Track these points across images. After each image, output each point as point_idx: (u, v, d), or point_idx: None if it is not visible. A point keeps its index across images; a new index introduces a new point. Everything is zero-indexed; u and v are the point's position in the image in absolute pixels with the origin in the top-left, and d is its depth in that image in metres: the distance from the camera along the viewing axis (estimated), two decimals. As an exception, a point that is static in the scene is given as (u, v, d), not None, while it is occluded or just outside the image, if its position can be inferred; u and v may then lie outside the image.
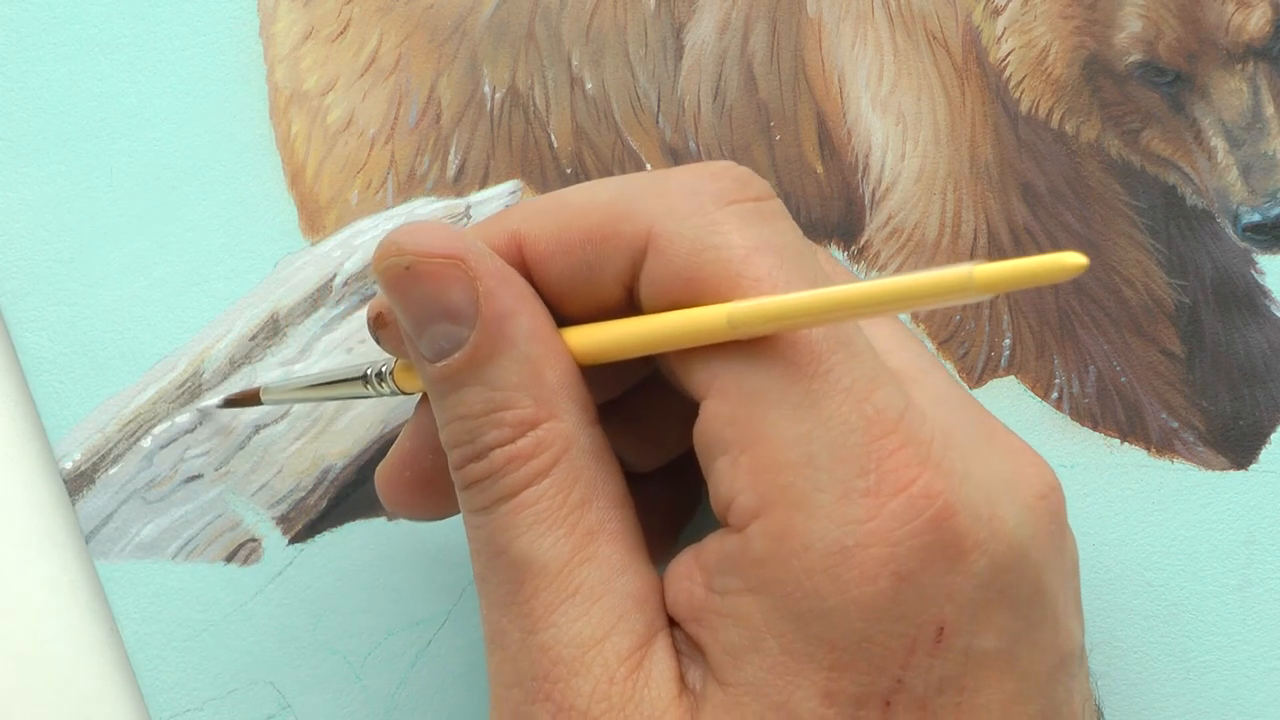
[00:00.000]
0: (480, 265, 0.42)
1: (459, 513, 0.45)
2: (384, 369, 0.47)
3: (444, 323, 0.42)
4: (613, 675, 0.41)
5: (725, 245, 0.42)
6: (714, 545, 0.42)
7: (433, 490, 0.46)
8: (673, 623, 0.42)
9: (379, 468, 0.48)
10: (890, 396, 0.41)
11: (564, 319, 0.44)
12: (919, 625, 0.40)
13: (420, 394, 0.47)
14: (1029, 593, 0.41)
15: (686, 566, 0.42)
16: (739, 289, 0.41)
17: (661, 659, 0.42)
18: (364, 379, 0.48)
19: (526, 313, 0.43)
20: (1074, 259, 0.36)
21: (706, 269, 0.41)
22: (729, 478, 0.41)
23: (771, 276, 0.41)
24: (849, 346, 0.41)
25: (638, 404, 0.46)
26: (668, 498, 0.49)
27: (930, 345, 0.54)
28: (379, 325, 0.46)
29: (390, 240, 0.43)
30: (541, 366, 0.43)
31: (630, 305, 0.43)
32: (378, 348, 0.48)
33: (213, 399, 0.53)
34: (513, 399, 0.42)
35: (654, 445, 0.47)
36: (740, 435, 0.41)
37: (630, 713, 0.41)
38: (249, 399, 0.52)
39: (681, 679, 0.42)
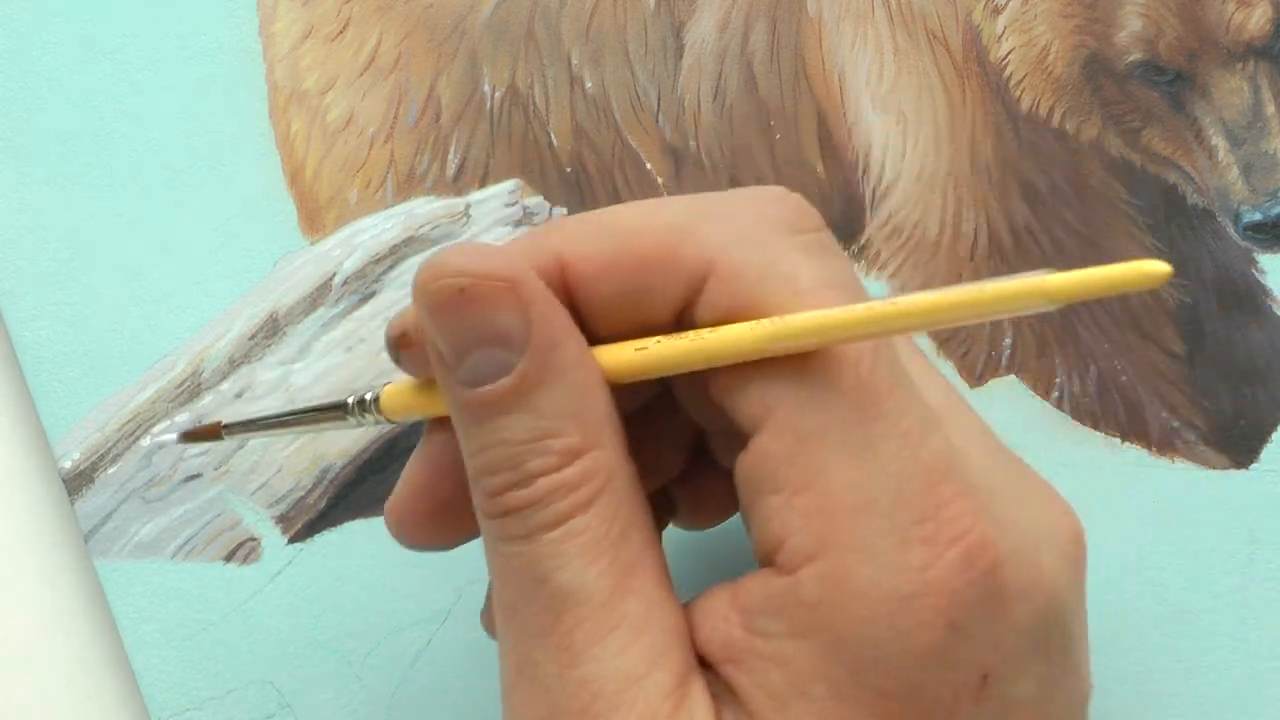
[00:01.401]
0: (532, 290, 0.41)
1: (469, 540, 0.45)
2: (368, 397, 0.46)
3: (491, 348, 0.41)
4: (655, 712, 0.40)
5: (794, 275, 0.41)
6: (755, 587, 0.41)
7: (449, 520, 0.45)
8: (702, 662, 0.41)
9: (389, 502, 0.46)
10: (942, 442, 0.40)
11: (602, 341, 0.43)
12: (967, 673, 0.40)
13: (428, 422, 0.46)
14: (1061, 641, 0.41)
15: (721, 606, 0.41)
16: None
17: (700, 697, 0.41)
18: (344, 408, 0.46)
19: (573, 341, 0.42)
20: (1157, 267, 0.35)
21: (773, 298, 0.41)
22: (780, 518, 0.40)
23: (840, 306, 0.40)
24: (902, 388, 0.40)
25: (642, 425, 0.46)
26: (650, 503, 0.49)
27: (930, 345, 0.54)
28: (403, 346, 0.44)
29: (441, 261, 0.41)
30: (588, 395, 0.42)
31: (677, 330, 0.42)
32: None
33: (169, 433, 0.52)
34: (560, 427, 0.41)
35: (650, 471, 0.47)
36: (796, 475, 0.40)
37: None
38: (208, 434, 0.50)
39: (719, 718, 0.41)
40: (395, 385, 0.45)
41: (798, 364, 0.41)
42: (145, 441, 0.54)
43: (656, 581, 0.41)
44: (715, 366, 0.41)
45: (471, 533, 0.45)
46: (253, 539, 0.53)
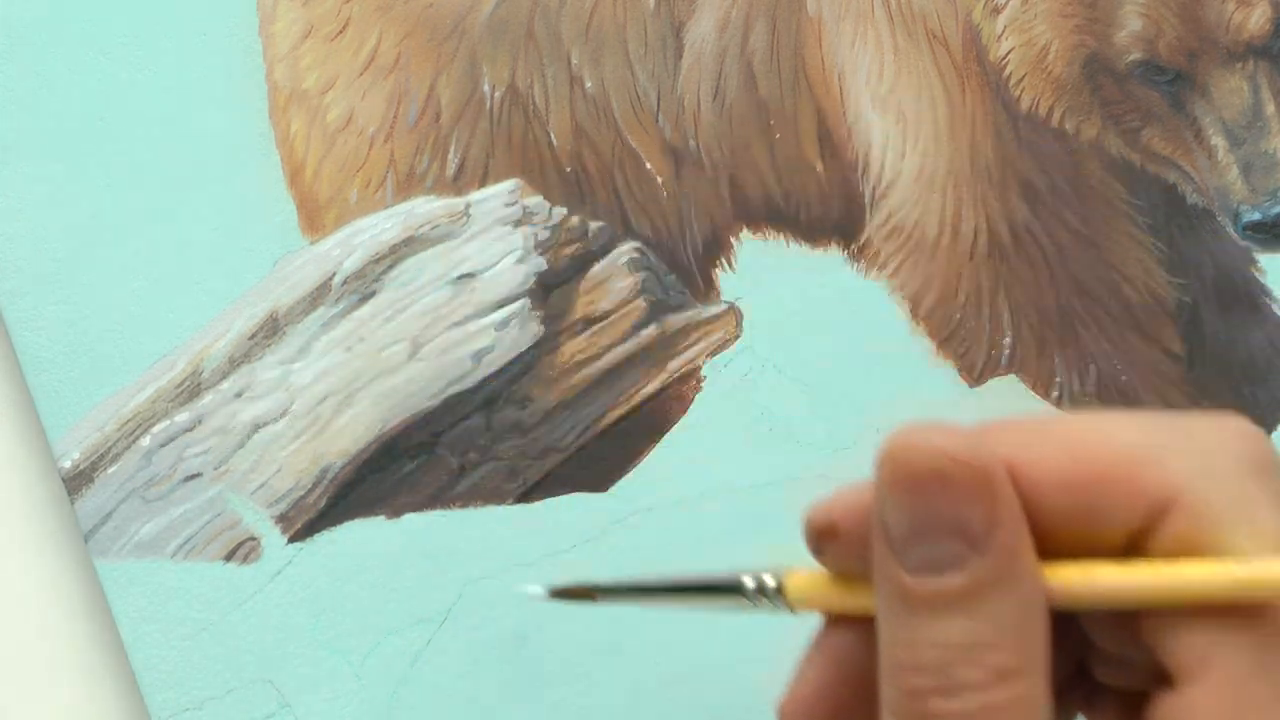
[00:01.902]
0: (1004, 487, 0.39)
1: None
2: (769, 582, 0.42)
3: (950, 540, 0.39)
4: None
5: (1262, 521, 0.38)
6: None
7: None
8: None
9: (784, 700, 0.43)
10: None
11: (1042, 559, 0.40)
12: None
13: (828, 618, 0.43)
14: None
15: None
16: None
17: None
18: (740, 589, 0.42)
19: (1031, 554, 0.39)
20: None
21: (1239, 542, 0.38)
22: None
23: None
24: None
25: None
26: None
27: (931, 344, 0.54)
28: (827, 538, 0.41)
29: (920, 436, 0.39)
30: (1033, 616, 0.39)
31: (1121, 560, 0.40)
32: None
33: (539, 589, 0.47)
34: (1000, 643, 0.39)
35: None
36: None
37: None
38: (581, 595, 0.46)
39: None
40: (804, 575, 0.42)
41: (1250, 619, 0.38)
42: (145, 441, 0.54)
43: None
44: (1172, 605, 0.39)
45: None
46: (253, 538, 0.53)
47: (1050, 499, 0.40)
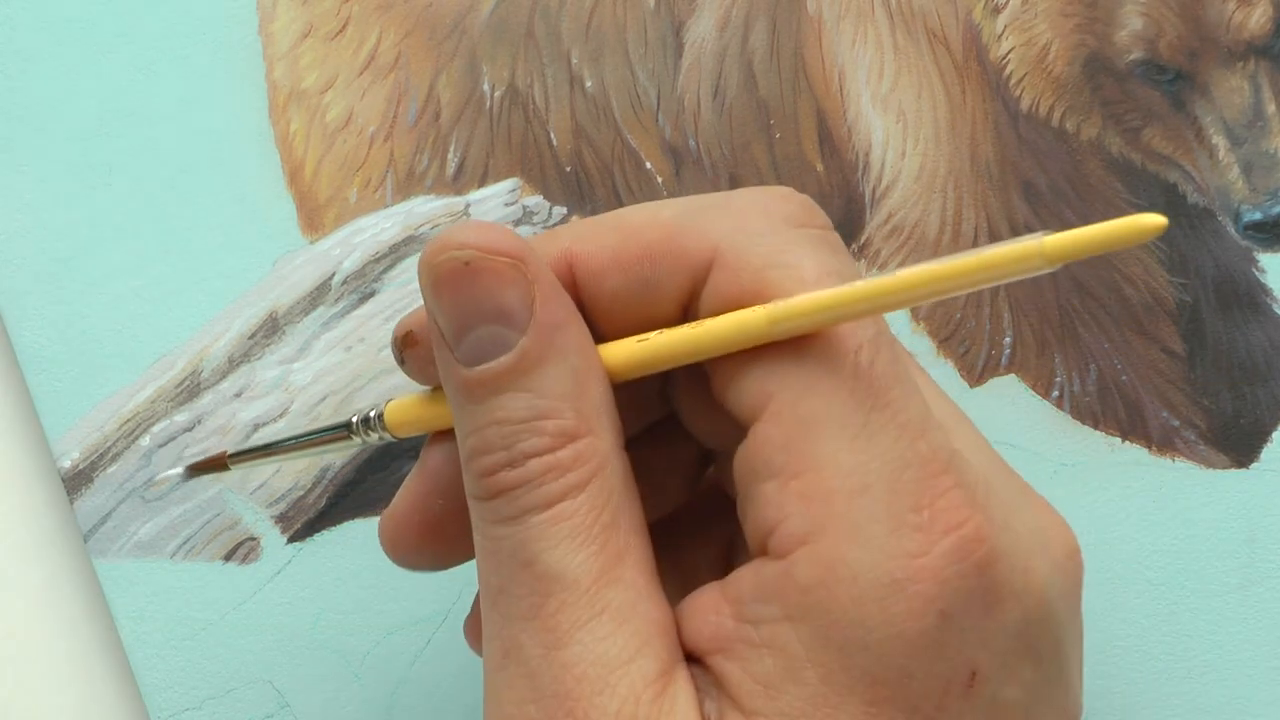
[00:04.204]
0: (538, 269, 0.42)
1: (465, 562, 0.45)
2: (371, 415, 0.46)
3: (493, 324, 0.41)
4: (639, 697, 0.40)
5: (798, 265, 0.41)
6: (747, 575, 0.41)
7: (443, 539, 0.45)
8: (689, 659, 0.42)
9: (383, 517, 0.46)
10: (941, 437, 0.40)
11: (610, 337, 0.43)
12: (956, 667, 0.40)
13: (428, 438, 0.46)
14: (1051, 649, 0.41)
15: (711, 600, 0.42)
16: None
17: (684, 688, 0.41)
18: (348, 427, 0.46)
19: (575, 324, 0.42)
20: (1153, 219, 0.35)
21: (775, 287, 0.41)
22: (776, 502, 0.40)
23: None
24: (905, 383, 0.41)
25: (642, 452, 0.45)
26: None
27: (931, 345, 0.54)
28: (407, 344, 0.45)
29: (448, 235, 0.42)
30: (587, 380, 0.42)
31: (682, 324, 0.43)
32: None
33: (176, 468, 0.52)
34: (556, 408, 0.41)
35: (656, 495, 0.47)
36: (792, 460, 0.40)
37: None
38: (214, 465, 0.50)
39: (701, 710, 0.41)
40: (399, 400, 0.45)
41: (798, 352, 0.41)
42: (145, 441, 0.54)
43: (643, 572, 0.42)
44: (716, 356, 0.41)
45: (464, 556, 0.45)
46: (252, 538, 0.53)
47: (609, 280, 0.43)
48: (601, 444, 0.42)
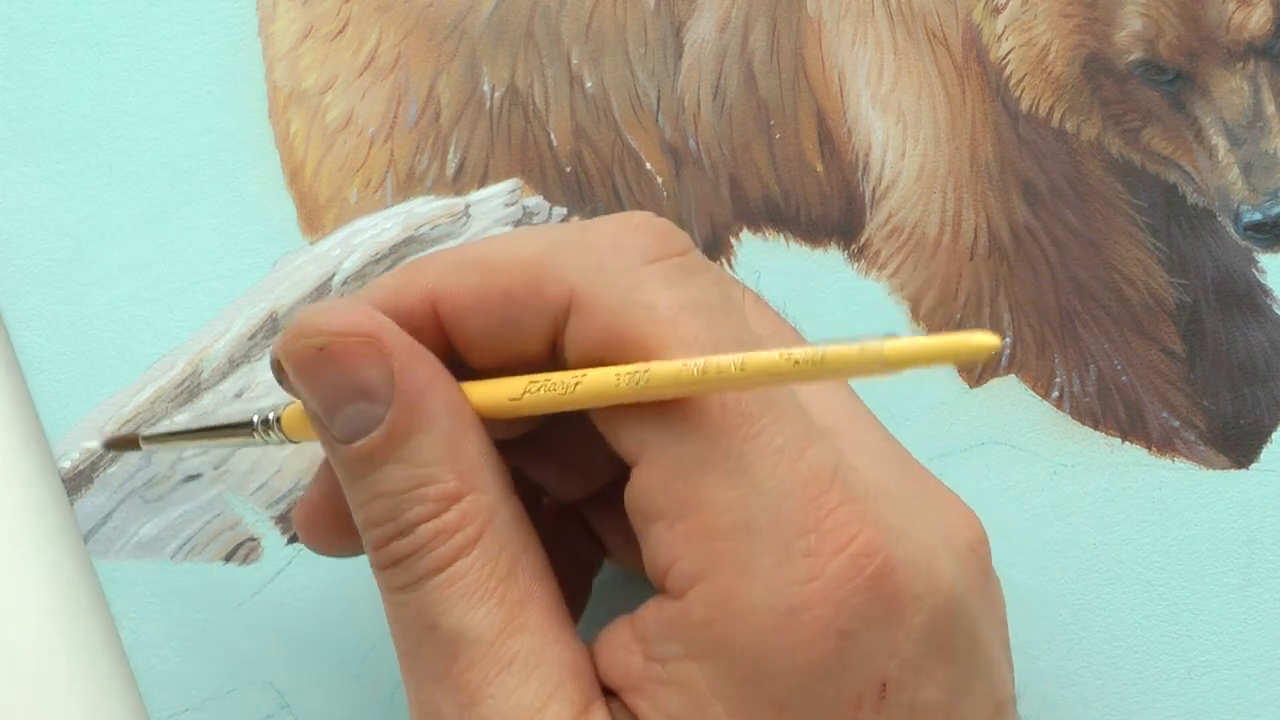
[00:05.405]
0: (394, 342, 0.42)
1: None
2: (271, 416, 0.47)
3: (359, 402, 0.42)
4: None
5: (651, 305, 0.41)
6: (651, 613, 0.41)
7: (351, 529, 0.46)
8: (607, 693, 0.42)
9: (296, 507, 0.47)
10: (823, 454, 0.40)
11: (482, 372, 0.43)
12: (864, 683, 0.40)
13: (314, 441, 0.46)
14: (966, 644, 0.41)
15: (622, 637, 0.42)
16: (667, 350, 0.41)
17: None
18: (251, 426, 0.47)
19: (441, 387, 0.42)
20: (984, 339, 0.35)
21: (634, 329, 0.41)
22: (665, 544, 0.41)
23: (698, 339, 0.41)
24: (776, 407, 0.41)
25: (562, 431, 0.46)
26: (582, 540, 0.49)
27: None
28: (283, 374, 0.45)
29: (299, 321, 0.42)
30: (460, 440, 0.42)
31: (553, 359, 0.43)
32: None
33: (93, 440, 0.53)
34: (434, 474, 0.42)
35: (579, 473, 0.47)
36: (674, 502, 0.40)
37: None
38: (128, 442, 0.51)
39: None
40: (296, 408, 0.46)
41: (669, 408, 0.41)
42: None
43: (548, 616, 0.42)
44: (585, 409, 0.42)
45: None
46: (252, 539, 0.53)
47: (473, 320, 0.43)
48: (486, 498, 0.42)
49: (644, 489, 0.41)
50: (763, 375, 0.39)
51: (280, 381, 0.45)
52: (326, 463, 0.46)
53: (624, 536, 0.47)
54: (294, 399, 0.45)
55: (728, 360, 0.39)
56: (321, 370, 0.42)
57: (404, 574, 0.42)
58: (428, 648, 0.42)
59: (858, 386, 0.46)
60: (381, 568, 0.43)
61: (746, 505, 0.40)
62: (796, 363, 0.38)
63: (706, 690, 0.40)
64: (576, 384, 0.41)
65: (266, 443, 0.47)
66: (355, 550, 0.46)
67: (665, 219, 0.44)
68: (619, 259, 0.42)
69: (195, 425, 0.49)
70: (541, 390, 0.42)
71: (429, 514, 0.42)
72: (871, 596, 0.40)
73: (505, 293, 0.43)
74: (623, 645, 0.42)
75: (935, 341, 0.36)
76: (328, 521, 0.46)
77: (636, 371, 0.40)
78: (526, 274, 0.42)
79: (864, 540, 0.40)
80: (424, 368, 0.42)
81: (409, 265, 0.45)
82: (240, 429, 0.48)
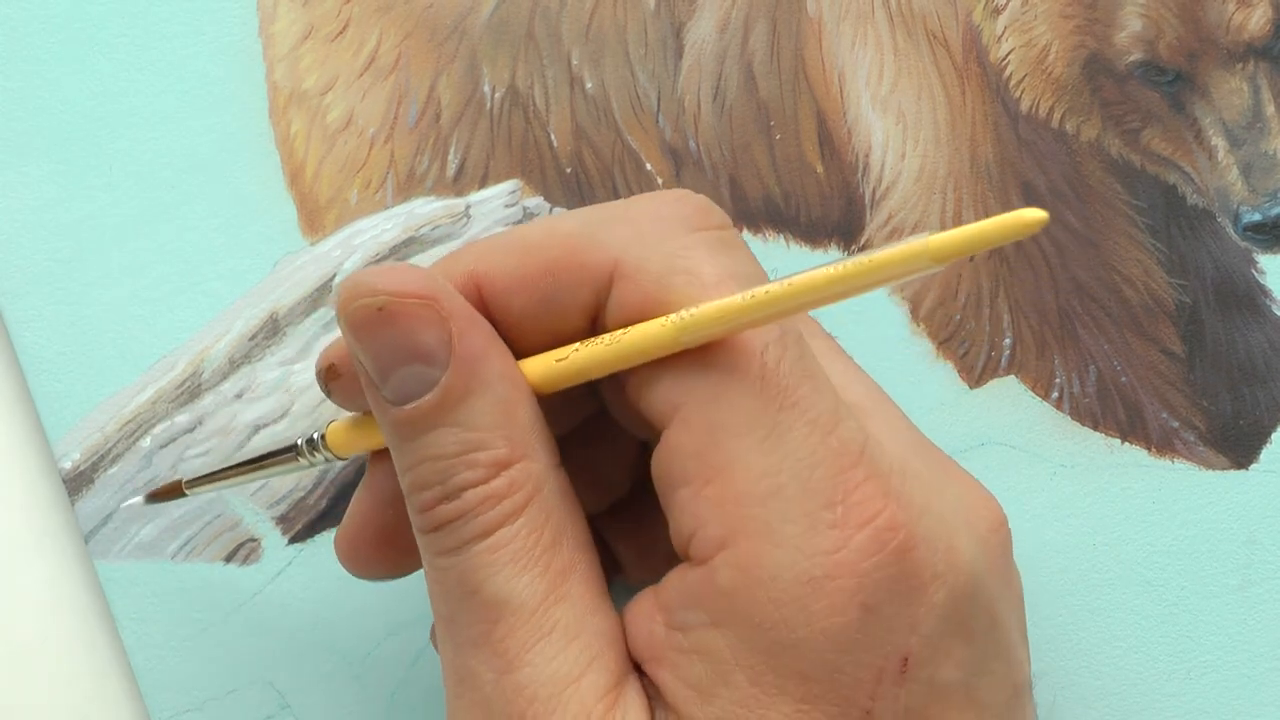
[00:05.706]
0: (452, 305, 0.42)
1: (418, 569, 0.45)
2: (315, 436, 0.47)
3: (414, 364, 0.42)
4: (589, 712, 0.41)
5: (696, 270, 0.41)
6: (674, 582, 0.42)
7: (396, 548, 0.46)
8: (637, 666, 0.42)
9: (338, 534, 0.47)
10: (853, 430, 0.41)
11: (523, 353, 0.44)
12: (885, 656, 0.40)
13: (370, 455, 0.46)
14: (985, 624, 0.41)
15: (646, 607, 0.42)
16: None
17: (635, 699, 0.41)
18: (295, 450, 0.47)
19: (496, 354, 0.43)
20: (1033, 214, 0.36)
21: (677, 294, 0.41)
22: (691, 510, 0.41)
23: None
24: (814, 379, 0.41)
25: (583, 445, 0.46)
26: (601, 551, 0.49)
27: (931, 345, 0.54)
28: (331, 378, 0.45)
29: (358, 280, 0.42)
30: (513, 407, 0.42)
31: (592, 335, 0.43)
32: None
33: (136, 497, 0.53)
34: (486, 439, 0.42)
35: (599, 486, 0.47)
36: (704, 466, 0.41)
37: None
38: (171, 492, 0.51)
39: (652, 719, 0.41)
40: (339, 422, 0.46)
41: (704, 359, 0.41)
42: (145, 442, 0.54)
43: (589, 587, 0.42)
44: (631, 366, 0.42)
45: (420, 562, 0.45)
46: (253, 539, 0.53)
47: (516, 299, 0.43)
48: (535, 466, 0.42)
49: (674, 452, 0.41)
50: (811, 291, 0.39)
51: (323, 384, 0.45)
52: (362, 486, 0.46)
53: (639, 550, 0.47)
54: (332, 417, 0.45)
55: (774, 283, 0.40)
56: (379, 330, 0.42)
57: (449, 538, 0.42)
58: (468, 613, 0.42)
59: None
60: (426, 531, 0.43)
61: (777, 472, 0.40)
62: (845, 271, 0.39)
63: (729, 658, 0.40)
64: (624, 335, 0.41)
65: (313, 464, 0.47)
66: (402, 572, 0.46)
67: (704, 195, 0.44)
68: (661, 228, 0.42)
69: (237, 461, 0.49)
70: (589, 347, 0.42)
71: (478, 479, 0.42)
72: (894, 571, 0.40)
73: (547, 268, 0.43)
74: (646, 615, 0.42)
75: (979, 226, 0.36)
76: (369, 549, 0.46)
77: (683, 313, 0.41)
78: (568, 247, 0.43)
79: (888, 515, 0.40)
80: (480, 334, 0.42)
81: (455, 251, 0.45)
82: (283, 455, 0.48)
